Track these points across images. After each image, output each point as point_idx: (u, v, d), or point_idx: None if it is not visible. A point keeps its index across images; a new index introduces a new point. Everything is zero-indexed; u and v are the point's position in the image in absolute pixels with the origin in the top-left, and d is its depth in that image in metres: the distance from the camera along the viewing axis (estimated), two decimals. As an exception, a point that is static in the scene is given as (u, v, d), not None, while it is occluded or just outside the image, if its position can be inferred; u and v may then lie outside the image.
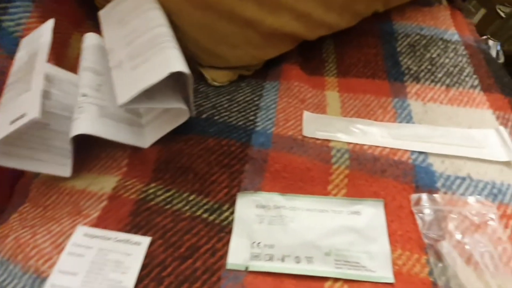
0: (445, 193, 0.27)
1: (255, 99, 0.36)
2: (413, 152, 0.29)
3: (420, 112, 0.34)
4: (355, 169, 0.28)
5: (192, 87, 0.29)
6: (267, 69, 0.40)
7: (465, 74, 0.37)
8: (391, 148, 0.30)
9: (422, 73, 0.37)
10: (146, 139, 0.30)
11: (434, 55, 0.39)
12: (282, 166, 0.29)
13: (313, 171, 0.28)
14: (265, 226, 0.25)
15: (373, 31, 0.42)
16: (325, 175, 0.28)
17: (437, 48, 0.39)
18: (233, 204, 0.27)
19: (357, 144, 0.30)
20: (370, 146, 0.30)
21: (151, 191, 0.27)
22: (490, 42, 1.55)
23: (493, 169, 0.28)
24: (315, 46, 0.42)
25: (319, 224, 0.25)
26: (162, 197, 0.27)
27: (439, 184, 0.27)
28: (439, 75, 0.37)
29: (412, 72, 0.37)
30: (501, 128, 0.31)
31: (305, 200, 0.27)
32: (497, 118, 0.33)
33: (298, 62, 0.39)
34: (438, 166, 0.28)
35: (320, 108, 0.36)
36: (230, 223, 0.26)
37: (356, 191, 0.27)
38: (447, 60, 0.38)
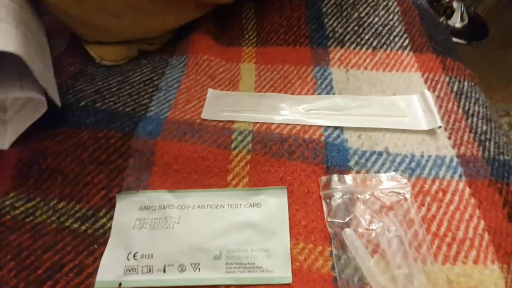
0: (358, 172, 0.24)
1: (155, 78, 0.31)
2: (327, 127, 0.26)
3: (342, 81, 0.30)
4: (259, 154, 0.24)
5: (42, 69, 0.23)
6: (177, 42, 0.35)
7: (394, 34, 0.33)
8: (303, 125, 0.26)
9: (348, 36, 0.33)
10: (5, 138, 0.25)
11: (362, 14, 0.34)
12: (173, 157, 0.24)
13: (209, 160, 0.24)
14: (146, 232, 0.21)
15: None
16: (224, 163, 0.24)
17: (367, 6, 0.35)
18: (112, 208, 0.22)
19: (264, 123, 0.26)
20: (279, 125, 0.26)
21: (7, 203, 0.22)
22: (454, 3, 1.54)
23: (413, 139, 0.25)
24: (234, 12, 0.36)
25: (210, 223, 0.22)
26: (22, 208, 0.22)
27: (352, 163, 0.24)
28: (366, 37, 0.33)
29: (337, 35, 0.33)
30: (426, 92, 0.27)
31: (198, 196, 0.23)
32: (426, 80, 0.30)
33: (211, 31, 0.34)
34: (353, 142, 0.25)
35: (232, 84, 0.31)
36: (107, 231, 0.21)
37: (259, 179, 0.24)
38: (376, 19, 0.34)
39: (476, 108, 0.29)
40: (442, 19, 1.41)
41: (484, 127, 0.27)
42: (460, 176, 0.23)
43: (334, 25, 0.34)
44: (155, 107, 0.27)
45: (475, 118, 0.28)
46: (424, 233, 0.21)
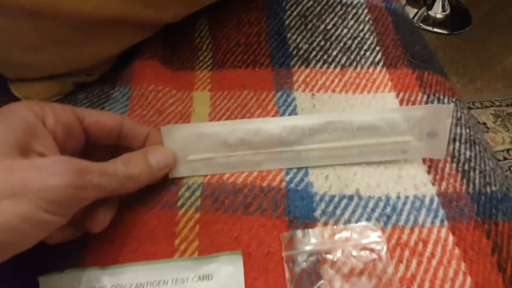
0: (325, 224, 0.20)
1: (93, 118, 0.27)
2: (288, 170, 0.22)
3: (307, 107, 0.26)
4: (209, 210, 0.21)
5: None
6: (122, 70, 0.31)
7: (365, 47, 0.30)
8: (260, 171, 0.22)
9: (314, 53, 0.29)
10: None
11: (329, 26, 0.31)
12: (111, 223, 0.21)
13: (152, 224, 0.20)
14: (71, 324, 0.18)
15: (257, 1, 0.33)
16: (170, 226, 0.20)
17: (334, 15, 0.32)
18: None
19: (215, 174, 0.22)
20: (233, 174, 0.22)
21: None
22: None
23: (387, 177, 0.22)
24: (186, 30, 0.32)
25: (148, 307, 0.19)
26: None
27: (318, 212, 0.20)
28: (334, 53, 0.29)
29: (301, 52, 0.29)
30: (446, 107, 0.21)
31: (137, 271, 0.19)
32: (401, 102, 0.26)
33: (158, 55, 0.30)
34: (320, 185, 0.21)
35: (183, 118, 0.27)
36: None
37: (211, 241, 0.20)
38: (344, 31, 0.31)
39: (459, 130, 0.26)
40: (422, 10, 1.39)
41: (468, 153, 0.24)
42: (442, 221, 0.20)
43: (298, 40, 0.30)
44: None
45: (457, 144, 0.25)
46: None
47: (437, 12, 1.36)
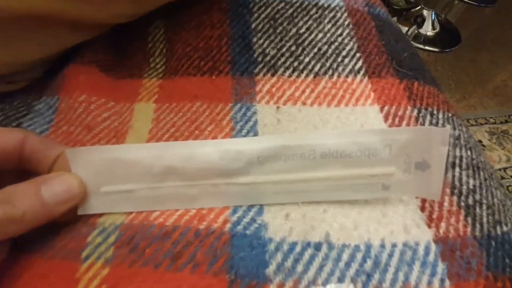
0: (280, 286, 0.14)
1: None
2: (238, 207, 0.17)
3: (270, 124, 0.21)
4: (122, 264, 0.15)
5: None
6: (53, 77, 0.26)
7: (343, 54, 0.25)
8: (200, 209, 0.17)
9: (282, 59, 0.25)
10: None
11: (302, 30, 0.27)
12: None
13: (50, 279, 0.15)
14: None
15: (220, 2, 0.29)
16: (69, 285, 0.15)
17: (309, 19, 0.28)
18: None
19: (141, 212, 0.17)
20: (163, 212, 0.17)
21: None
22: (425, 12, 1.55)
23: (368, 215, 0.16)
24: (138, 33, 0.27)
25: None
26: None
27: (271, 269, 0.14)
28: (306, 60, 0.25)
29: (268, 59, 0.25)
30: (441, 130, 0.16)
31: None
32: (386, 117, 0.21)
33: (99, 61, 0.25)
34: (277, 226, 0.16)
35: (117, 137, 0.22)
36: None
37: (121, 308, 0.15)
38: (320, 36, 0.26)
39: (458, 153, 0.21)
40: (413, 28, 1.40)
41: (472, 182, 0.20)
42: (442, 280, 0.15)
43: (265, 45, 0.26)
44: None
45: (457, 170, 0.20)
46: None
47: (428, 30, 1.37)
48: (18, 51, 0.22)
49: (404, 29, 1.39)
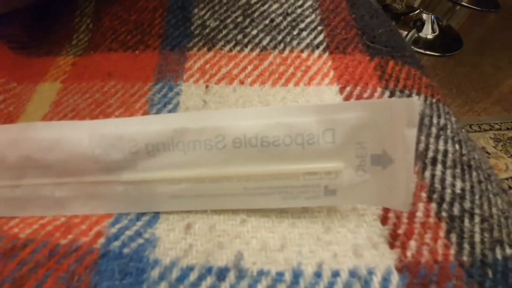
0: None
1: None
2: (119, 217, 0.12)
3: (193, 107, 0.16)
4: None
5: None
6: None
7: (301, 26, 0.21)
8: (72, 217, 0.12)
9: (225, 31, 0.20)
10: None
11: (254, 0, 0.24)
12: None
13: None
14: None
15: None
16: None
17: (264, -12, 0.24)
18: None
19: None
20: (25, 219, 0.12)
21: None
22: (424, 15, 1.52)
23: (301, 232, 0.11)
24: (68, 8, 0.23)
25: None
26: None
27: None
28: (254, 32, 0.19)
29: (206, 31, 0.20)
30: (408, 100, 0.10)
31: None
32: (347, 100, 0.18)
33: (8, 35, 0.21)
34: (170, 243, 0.11)
35: (9, 121, 0.18)
36: None
37: None
38: (274, 7, 0.22)
39: (442, 146, 0.16)
40: (413, 32, 1.37)
41: (459, 185, 0.14)
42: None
43: (207, 16, 0.22)
44: None
45: (439, 168, 0.15)
46: None
47: (428, 33, 1.33)
48: None
49: (404, 33, 1.36)
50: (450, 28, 1.51)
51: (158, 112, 0.16)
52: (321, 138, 0.11)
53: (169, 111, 0.16)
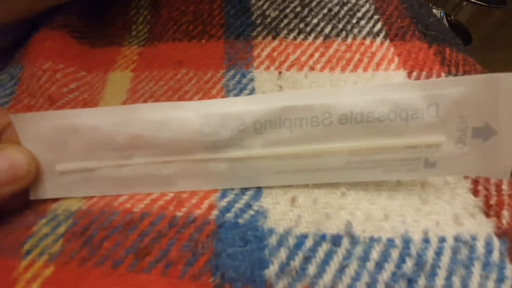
0: (285, 295, 0.12)
1: None
2: (225, 191, 0.13)
3: (270, 92, 0.18)
4: (70, 263, 0.10)
5: None
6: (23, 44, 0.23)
7: (359, 15, 0.21)
8: (178, 193, 0.13)
9: (286, 20, 0.20)
10: None
11: None
12: None
13: None
14: None
15: None
16: (5, 286, 0.12)
17: (316, -21, 0.25)
18: None
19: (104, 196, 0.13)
20: (132, 195, 0.13)
21: None
22: (434, 10, 1.52)
23: (401, 201, 0.12)
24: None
25: None
26: None
27: (273, 270, 0.10)
28: (314, 21, 0.20)
29: (268, 20, 0.21)
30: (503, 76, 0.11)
31: None
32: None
33: (71, 25, 0.22)
34: (280, 215, 0.12)
35: (89, 106, 0.19)
36: None
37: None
38: (330, -4, 0.24)
39: None
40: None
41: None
42: (518, 289, 0.11)
43: (265, 7, 0.22)
44: None
45: None
46: None
47: (437, 27, 1.33)
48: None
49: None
50: (459, 23, 1.51)
51: (237, 96, 0.17)
52: (425, 112, 0.11)
53: (246, 95, 0.17)
